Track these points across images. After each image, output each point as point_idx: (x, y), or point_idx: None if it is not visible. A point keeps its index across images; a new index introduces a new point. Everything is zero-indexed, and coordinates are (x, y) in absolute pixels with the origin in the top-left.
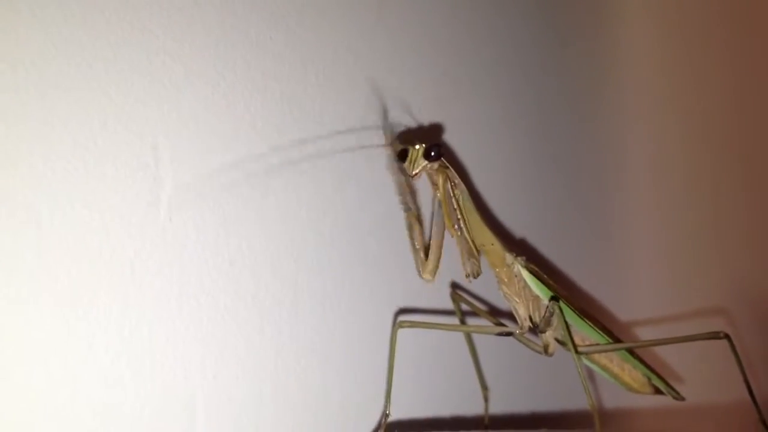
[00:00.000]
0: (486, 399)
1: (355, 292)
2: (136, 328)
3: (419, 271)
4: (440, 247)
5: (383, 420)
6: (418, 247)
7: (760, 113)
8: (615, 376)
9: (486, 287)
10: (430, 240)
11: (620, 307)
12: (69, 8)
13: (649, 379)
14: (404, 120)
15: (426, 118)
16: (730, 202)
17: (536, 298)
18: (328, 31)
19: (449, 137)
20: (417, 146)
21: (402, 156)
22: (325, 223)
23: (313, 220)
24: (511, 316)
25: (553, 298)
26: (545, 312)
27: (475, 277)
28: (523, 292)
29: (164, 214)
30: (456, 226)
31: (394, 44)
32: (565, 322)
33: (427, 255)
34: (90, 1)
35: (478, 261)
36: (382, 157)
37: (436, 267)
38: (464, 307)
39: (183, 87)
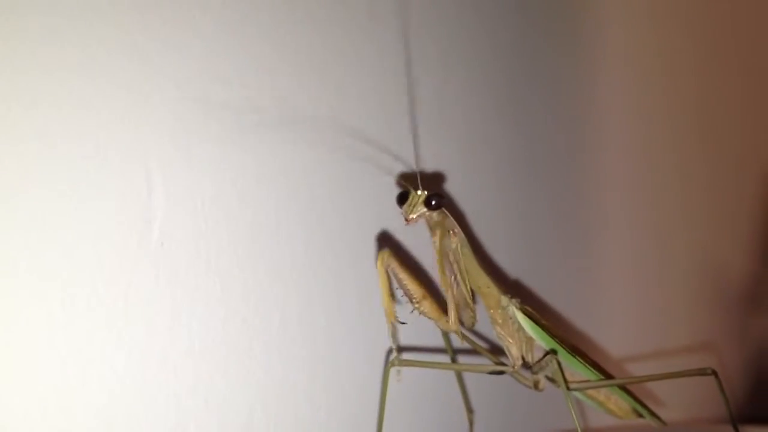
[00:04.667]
0: (471, 422)
1: (346, 325)
2: (128, 360)
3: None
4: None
5: None
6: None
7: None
8: (600, 404)
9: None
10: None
11: (611, 343)
12: (61, 30)
13: (633, 407)
14: (402, 162)
15: (424, 163)
16: (720, 241)
17: (529, 339)
18: (332, 61)
19: (446, 178)
20: (418, 192)
21: (401, 199)
22: (318, 249)
23: (306, 246)
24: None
25: (552, 350)
26: (541, 359)
27: (469, 328)
28: (516, 333)
29: (156, 240)
30: (454, 279)
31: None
32: (560, 369)
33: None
34: (82, 23)
35: (474, 312)
36: (383, 191)
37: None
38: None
39: (177, 111)
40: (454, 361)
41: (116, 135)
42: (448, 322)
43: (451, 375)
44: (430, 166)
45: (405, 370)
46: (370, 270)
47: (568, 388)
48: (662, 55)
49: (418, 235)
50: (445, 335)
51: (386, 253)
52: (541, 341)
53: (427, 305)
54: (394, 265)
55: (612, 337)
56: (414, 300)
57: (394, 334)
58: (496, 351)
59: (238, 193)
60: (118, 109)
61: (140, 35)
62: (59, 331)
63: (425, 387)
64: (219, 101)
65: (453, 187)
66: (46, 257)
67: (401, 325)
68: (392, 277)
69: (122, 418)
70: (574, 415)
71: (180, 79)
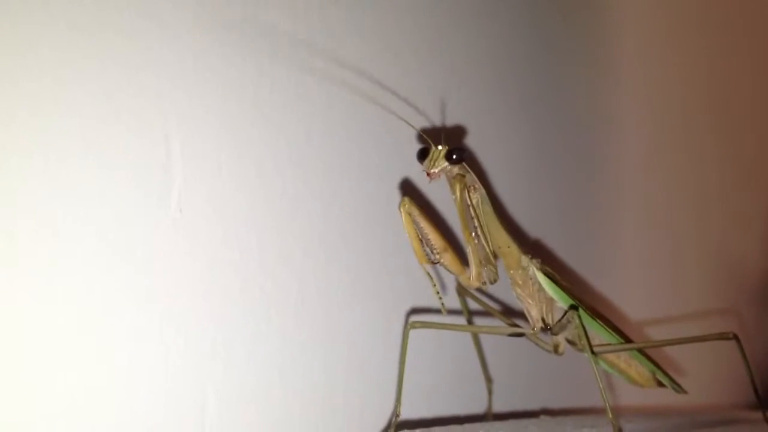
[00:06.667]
0: (490, 391)
1: (363, 289)
2: (148, 322)
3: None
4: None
5: (393, 420)
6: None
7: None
8: (621, 372)
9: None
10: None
11: (631, 306)
12: (83, 3)
13: (654, 374)
14: (421, 119)
15: (446, 118)
16: (739, 204)
17: (550, 300)
18: (345, 23)
19: (468, 136)
20: (440, 147)
21: (422, 154)
22: (334, 215)
23: (323, 212)
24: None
25: (572, 307)
26: (562, 318)
27: (491, 284)
28: (537, 294)
29: (175, 207)
30: (474, 234)
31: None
32: (583, 328)
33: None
34: None
35: (495, 268)
36: (397, 151)
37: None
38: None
39: (194, 78)
40: (470, 323)
41: (135, 101)
42: (469, 277)
43: (469, 345)
44: (451, 121)
45: (425, 339)
46: (388, 237)
47: (593, 353)
48: (679, 50)
49: (441, 188)
50: (462, 298)
51: (407, 201)
52: (562, 301)
53: (449, 258)
54: (416, 214)
55: (631, 301)
56: (435, 251)
57: (436, 286)
58: (514, 316)
59: (255, 160)
60: (138, 76)
61: (159, 4)
62: (79, 296)
63: (444, 356)
64: (236, 68)
65: (475, 146)
66: (66, 225)
67: (434, 267)
68: (414, 225)
69: (141, 381)
70: (596, 373)
71: (198, 47)
